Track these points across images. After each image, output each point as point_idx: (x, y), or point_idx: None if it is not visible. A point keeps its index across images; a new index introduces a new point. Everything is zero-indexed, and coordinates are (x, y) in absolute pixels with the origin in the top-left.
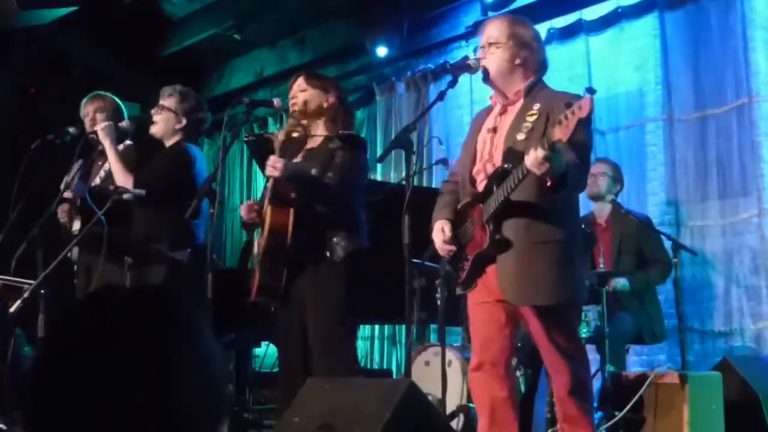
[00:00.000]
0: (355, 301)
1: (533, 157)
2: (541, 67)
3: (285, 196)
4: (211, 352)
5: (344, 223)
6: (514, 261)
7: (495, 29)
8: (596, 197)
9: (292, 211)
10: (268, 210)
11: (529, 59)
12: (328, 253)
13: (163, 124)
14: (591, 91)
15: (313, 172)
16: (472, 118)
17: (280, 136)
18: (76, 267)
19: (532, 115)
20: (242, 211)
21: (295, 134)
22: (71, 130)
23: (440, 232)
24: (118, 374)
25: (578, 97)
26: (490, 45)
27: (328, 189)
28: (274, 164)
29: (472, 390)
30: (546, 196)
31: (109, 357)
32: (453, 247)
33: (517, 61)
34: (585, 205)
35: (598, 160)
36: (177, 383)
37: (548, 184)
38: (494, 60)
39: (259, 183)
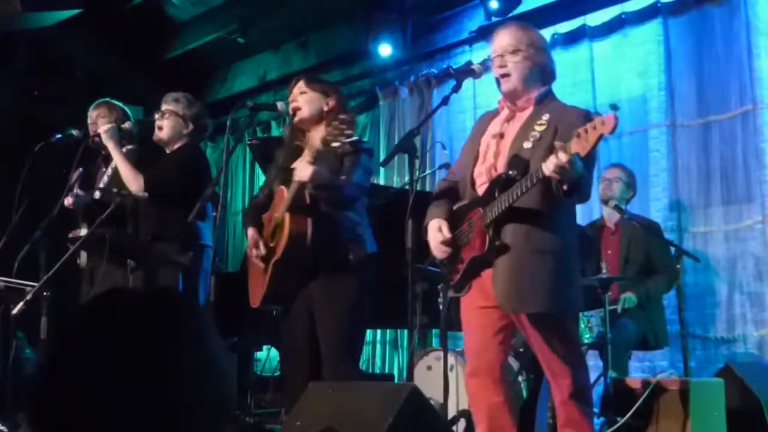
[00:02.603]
0: (365, 308)
1: (555, 162)
2: (552, 75)
3: (304, 203)
4: (217, 354)
5: (355, 228)
6: (511, 268)
7: (512, 37)
8: (608, 200)
9: (310, 218)
10: (286, 216)
11: (546, 65)
12: (342, 259)
13: (170, 129)
14: (615, 107)
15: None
16: (476, 120)
17: (318, 144)
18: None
19: (540, 125)
20: (252, 252)
21: (335, 144)
22: (74, 132)
23: (437, 231)
24: (124, 375)
25: (591, 113)
26: (514, 52)
27: (348, 194)
28: (304, 169)
29: (470, 397)
30: (547, 203)
31: (116, 358)
32: (449, 249)
33: (537, 68)
34: (591, 211)
35: (613, 165)
36: (183, 384)
37: (564, 187)
38: (516, 68)
39: None
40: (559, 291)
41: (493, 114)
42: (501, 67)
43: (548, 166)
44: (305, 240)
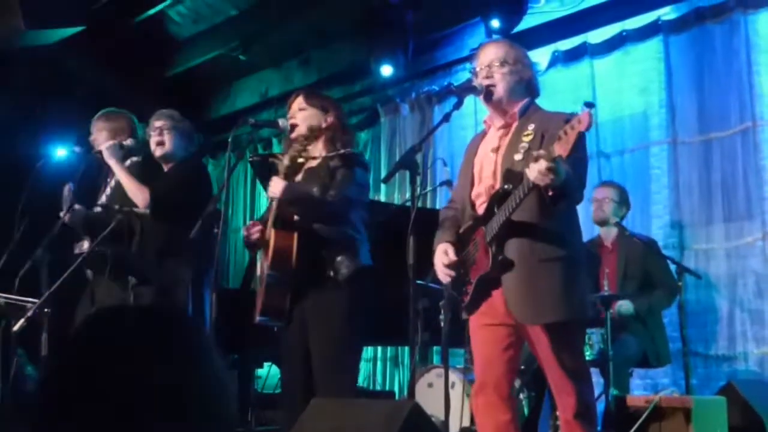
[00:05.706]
0: (359, 322)
1: (537, 169)
2: (537, 90)
3: (289, 219)
4: (219, 370)
5: (347, 242)
6: (521, 281)
7: (500, 50)
8: (603, 222)
9: (296, 234)
10: (272, 233)
11: (531, 80)
12: (332, 273)
13: (172, 142)
14: (589, 105)
15: (315, 191)
16: (467, 145)
17: (285, 160)
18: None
19: (527, 135)
20: (248, 231)
21: (300, 160)
22: (76, 149)
23: (443, 254)
24: (127, 390)
25: (574, 114)
26: (502, 65)
27: (330, 207)
28: (275, 185)
29: (476, 414)
30: (547, 213)
31: (118, 373)
32: (453, 273)
33: (522, 82)
34: (591, 228)
35: (603, 184)
36: (185, 400)
37: (549, 194)
38: (503, 79)
39: (263, 203)
40: (570, 298)
41: (481, 135)
42: (488, 77)
43: (531, 173)
44: (290, 255)
